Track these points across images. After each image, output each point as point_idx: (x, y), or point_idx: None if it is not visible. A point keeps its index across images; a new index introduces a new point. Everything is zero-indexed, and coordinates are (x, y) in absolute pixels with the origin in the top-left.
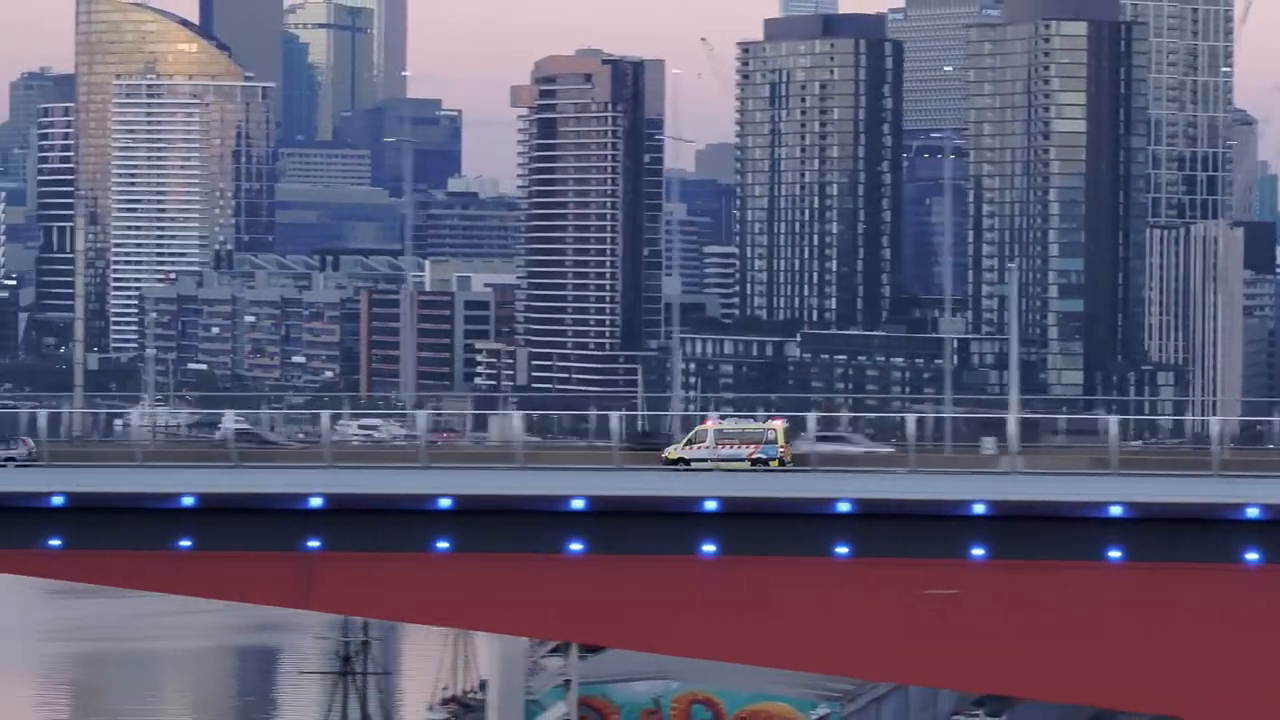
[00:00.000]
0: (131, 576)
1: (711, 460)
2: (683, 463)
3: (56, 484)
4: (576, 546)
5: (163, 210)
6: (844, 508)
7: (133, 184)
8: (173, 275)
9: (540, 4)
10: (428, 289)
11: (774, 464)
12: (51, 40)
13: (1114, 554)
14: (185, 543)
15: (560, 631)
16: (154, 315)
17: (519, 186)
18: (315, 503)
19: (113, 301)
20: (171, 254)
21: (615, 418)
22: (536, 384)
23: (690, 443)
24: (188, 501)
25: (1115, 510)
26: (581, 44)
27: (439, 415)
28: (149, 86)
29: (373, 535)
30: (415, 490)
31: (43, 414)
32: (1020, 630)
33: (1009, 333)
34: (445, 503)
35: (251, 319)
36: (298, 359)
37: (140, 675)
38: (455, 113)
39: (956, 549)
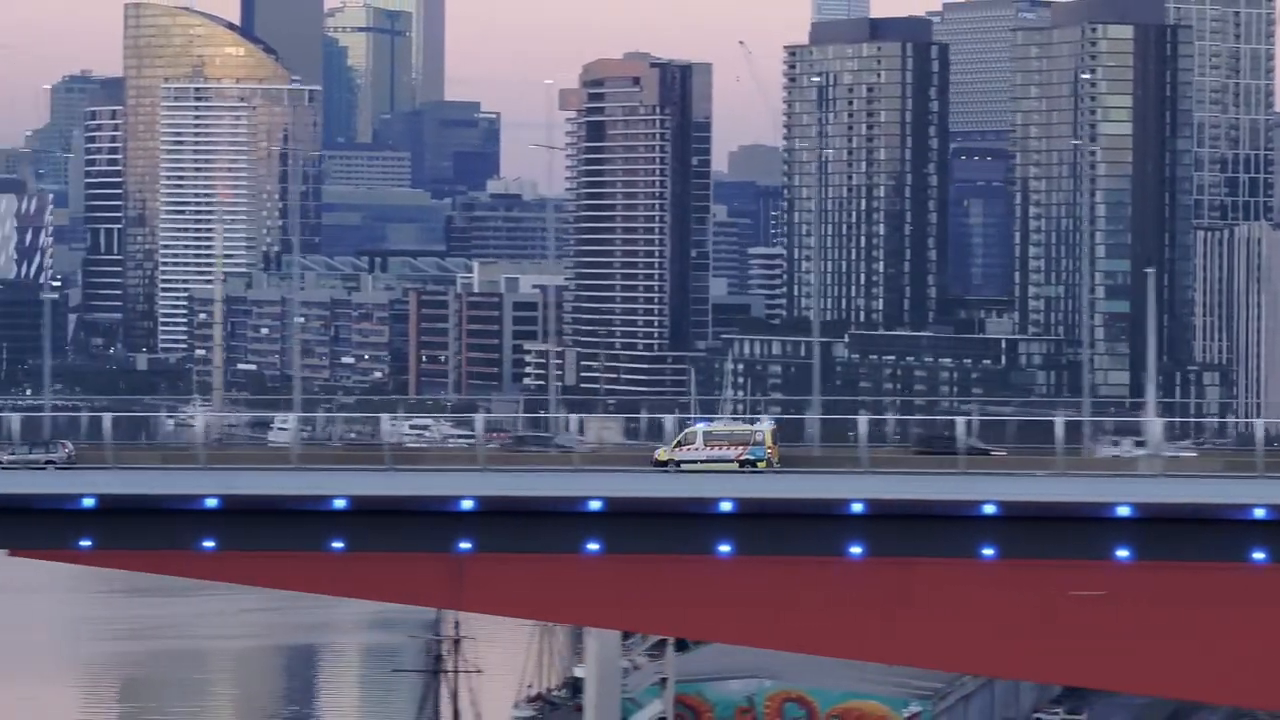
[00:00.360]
0: (284, 578)
1: (701, 461)
2: (673, 464)
3: (212, 487)
4: (725, 548)
5: (210, 212)
6: (989, 510)
7: (181, 186)
8: (222, 276)
9: (578, 7)
10: (476, 290)
11: (761, 465)
12: (92, 44)
13: (1258, 556)
14: (338, 544)
15: (708, 632)
16: (203, 316)
17: (567, 189)
18: (467, 505)
19: (161, 303)
20: (220, 256)
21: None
22: (585, 384)
23: (680, 444)
24: (340, 504)
25: (1259, 513)
26: (617, 46)
27: (541, 417)
28: (197, 90)
29: (524, 537)
30: (565, 493)
31: (201, 416)
32: (1165, 631)
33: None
34: (595, 505)
35: (301, 320)
36: (347, 359)
37: (228, 672)
38: (494, 115)
39: (1101, 550)
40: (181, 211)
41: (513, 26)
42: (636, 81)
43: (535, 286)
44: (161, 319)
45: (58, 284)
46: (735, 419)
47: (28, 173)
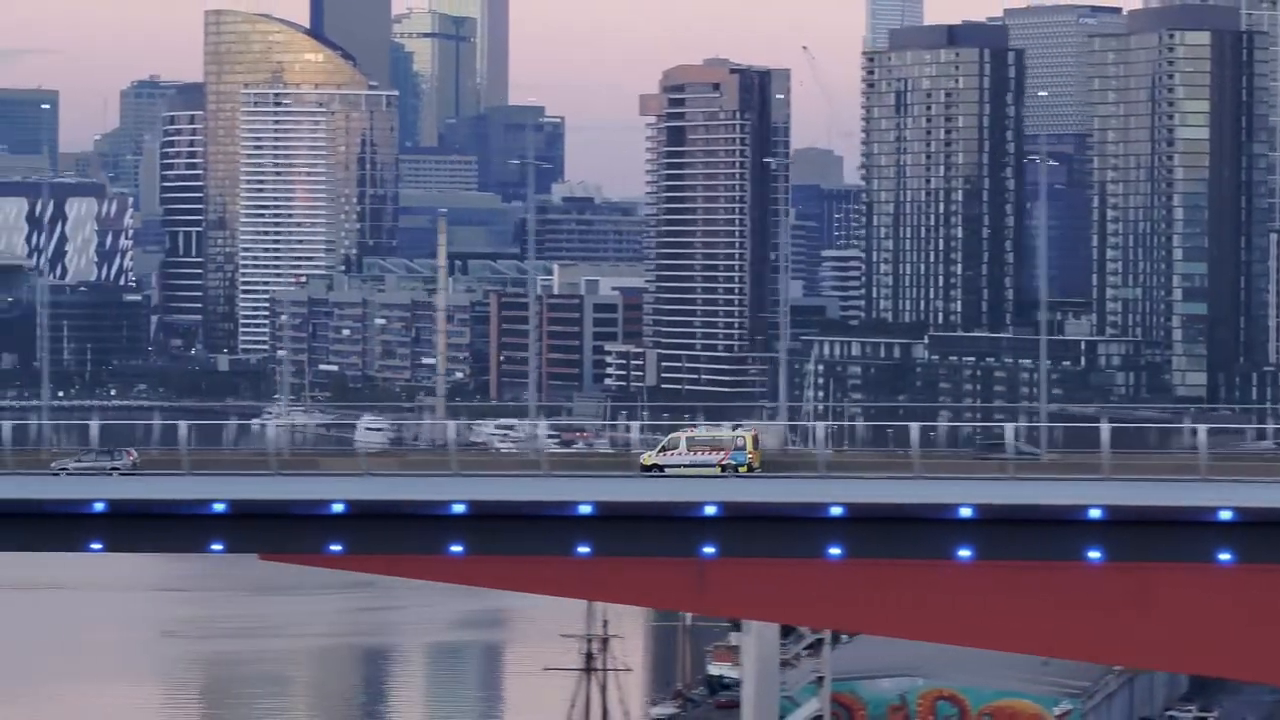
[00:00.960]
0: (531, 581)
1: (685, 466)
2: (657, 469)
3: (460, 492)
4: (964, 553)
5: (290, 216)
6: (1226, 515)
7: (260, 190)
8: (303, 279)
9: (637, 13)
10: (555, 292)
11: (743, 469)
12: (161, 49)
13: None
14: (584, 549)
15: (948, 635)
16: (284, 318)
17: (646, 192)
18: (710, 510)
19: (241, 305)
20: (299, 259)
21: (915, 429)
22: (665, 384)
23: (664, 450)
24: (585, 510)
25: None
26: (675, 50)
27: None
28: (276, 95)
29: (765, 541)
30: (808, 499)
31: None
32: None
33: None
34: (837, 510)
35: (382, 321)
36: (428, 360)
37: (376, 670)
38: (558, 119)
39: None
40: (261, 215)
41: (574, 32)
42: (717, 87)
43: (614, 289)
44: (242, 320)
45: (133, 284)
46: (717, 425)
47: (103, 176)
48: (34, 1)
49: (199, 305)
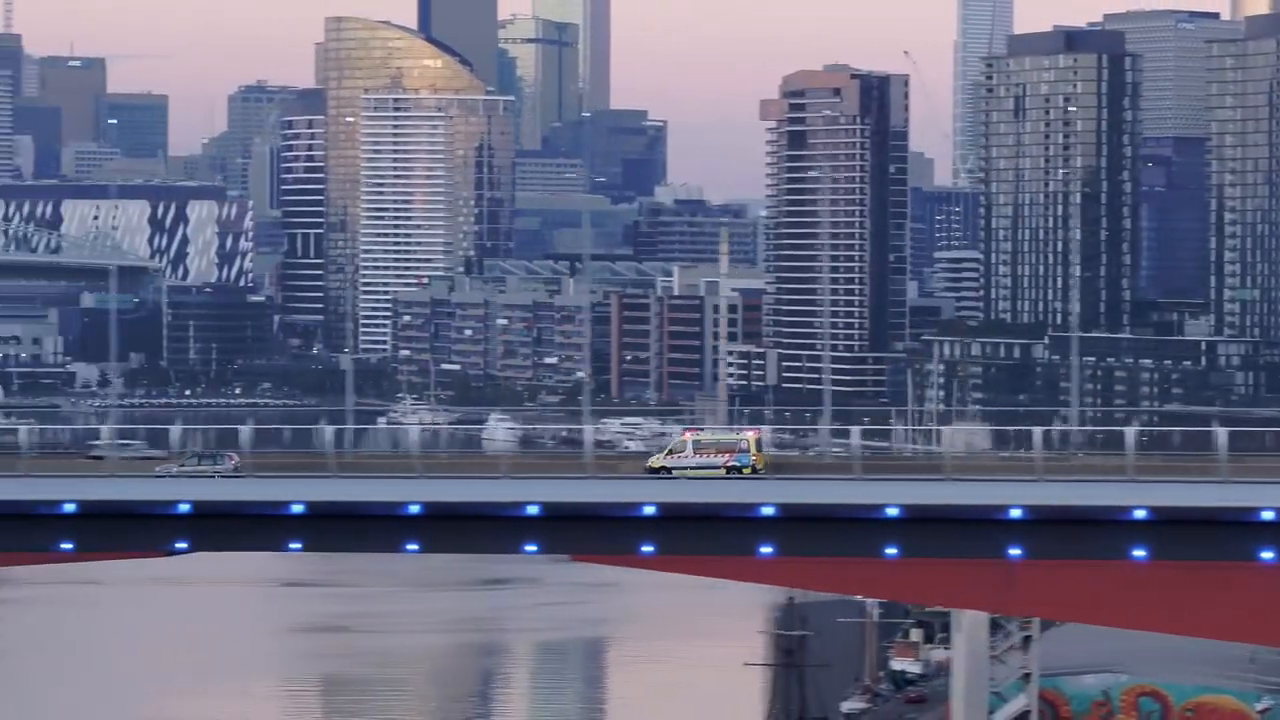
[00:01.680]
0: (842, 582)
1: (691, 468)
2: (665, 471)
3: (771, 495)
4: (1266, 555)
5: (409, 218)
6: None
7: (380, 193)
8: (425, 280)
9: (732, 19)
10: (676, 293)
11: (746, 471)
12: (269, 54)
13: None
14: (891, 550)
15: (1251, 635)
16: (407, 318)
17: (768, 195)
18: (1015, 514)
19: (362, 305)
20: (418, 260)
21: (1131, 432)
22: (786, 384)
23: (671, 452)
24: (892, 512)
25: None
26: (767, 55)
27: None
28: (395, 100)
29: (1071, 543)
30: (1112, 502)
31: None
32: None
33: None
34: (1140, 514)
35: (503, 321)
36: (549, 360)
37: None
38: (660, 123)
39: None
40: (381, 217)
41: (672, 38)
42: (837, 92)
43: (734, 290)
44: (362, 320)
45: (254, 286)
46: (722, 428)
47: (220, 179)
48: (139, 7)
49: (319, 306)
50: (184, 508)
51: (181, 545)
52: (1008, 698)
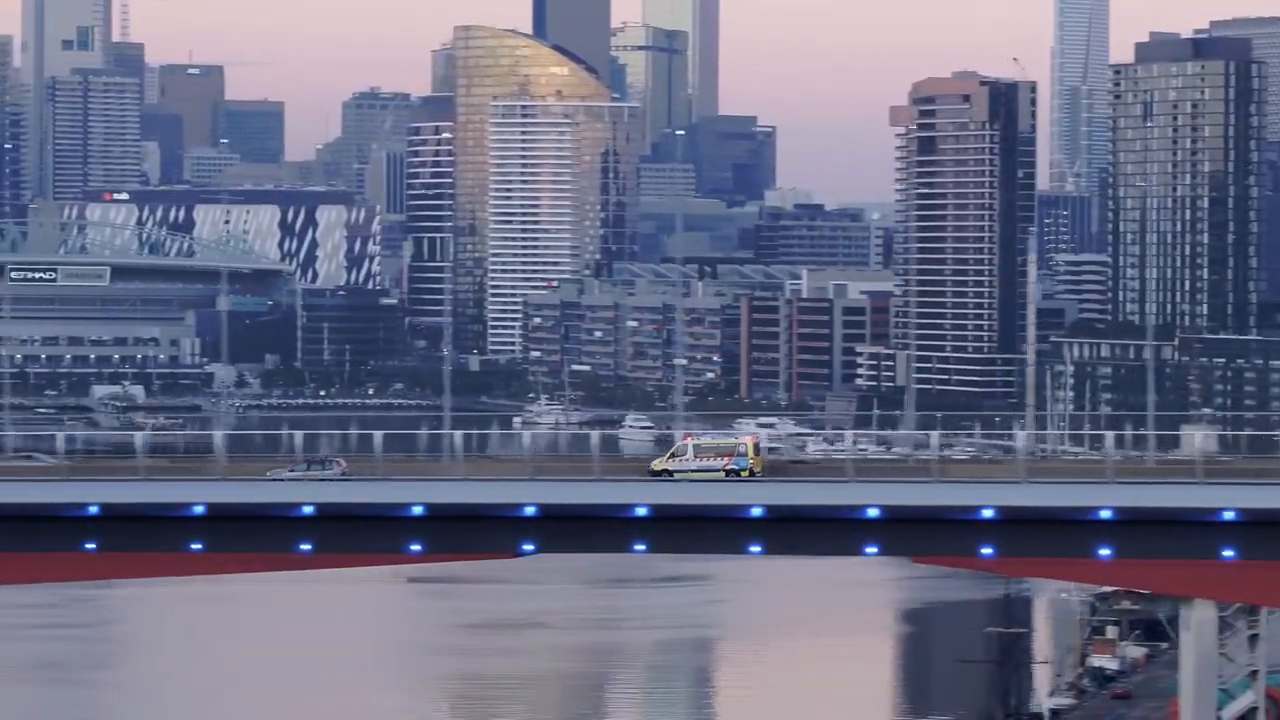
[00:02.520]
0: (1178, 583)
1: (692, 471)
2: (666, 474)
3: (1107, 500)
4: None
5: (536, 222)
6: None
7: (508, 198)
8: (555, 283)
9: (838, 25)
10: (804, 296)
11: (744, 474)
12: (383, 61)
13: None
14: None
15: None
16: (537, 320)
17: (897, 199)
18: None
19: (490, 307)
20: (545, 263)
21: None
22: (916, 385)
23: (673, 456)
24: (1228, 515)
25: None
26: (873, 61)
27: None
28: (523, 107)
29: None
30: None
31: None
32: None
33: None
34: None
35: (634, 324)
36: (679, 361)
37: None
38: (770, 129)
39: None
40: (509, 221)
41: (783, 44)
42: (967, 99)
43: (863, 292)
44: (490, 322)
45: (383, 289)
46: (721, 433)
47: (347, 185)
48: (255, 16)
49: (449, 308)
50: (530, 510)
51: (529, 547)
52: (1235, 694)
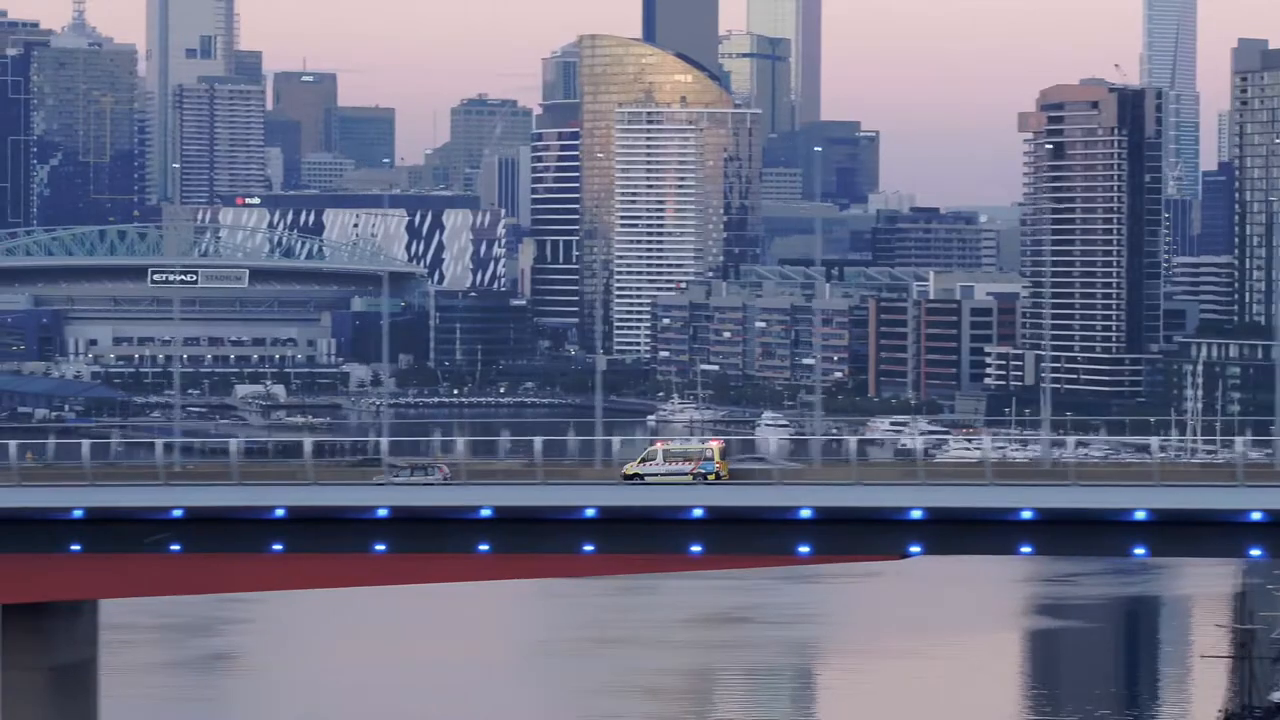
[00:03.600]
0: None
1: (661, 475)
2: (638, 478)
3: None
4: None
5: (661, 226)
6: None
7: (634, 202)
8: (683, 284)
9: (942, 31)
10: (931, 297)
11: (711, 477)
12: (489, 68)
13: None
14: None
15: None
16: (666, 321)
17: (1024, 203)
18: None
19: (616, 308)
20: (669, 266)
21: None
22: (1044, 384)
23: (644, 460)
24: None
25: None
26: (966, 70)
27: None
28: (648, 114)
29: None
30: None
31: None
32: None
33: None
34: None
35: (762, 324)
36: (807, 361)
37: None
38: (873, 133)
39: None
40: (634, 225)
41: (883, 50)
42: (1095, 105)
43: (989, 294)
44: (616, 323)
45: (509, 291)
46: (688, 439)
47: (441, 188)
48: (363, 23)
49: (574, 309)
50: (917, 514)
51: (915, 549)
52: None
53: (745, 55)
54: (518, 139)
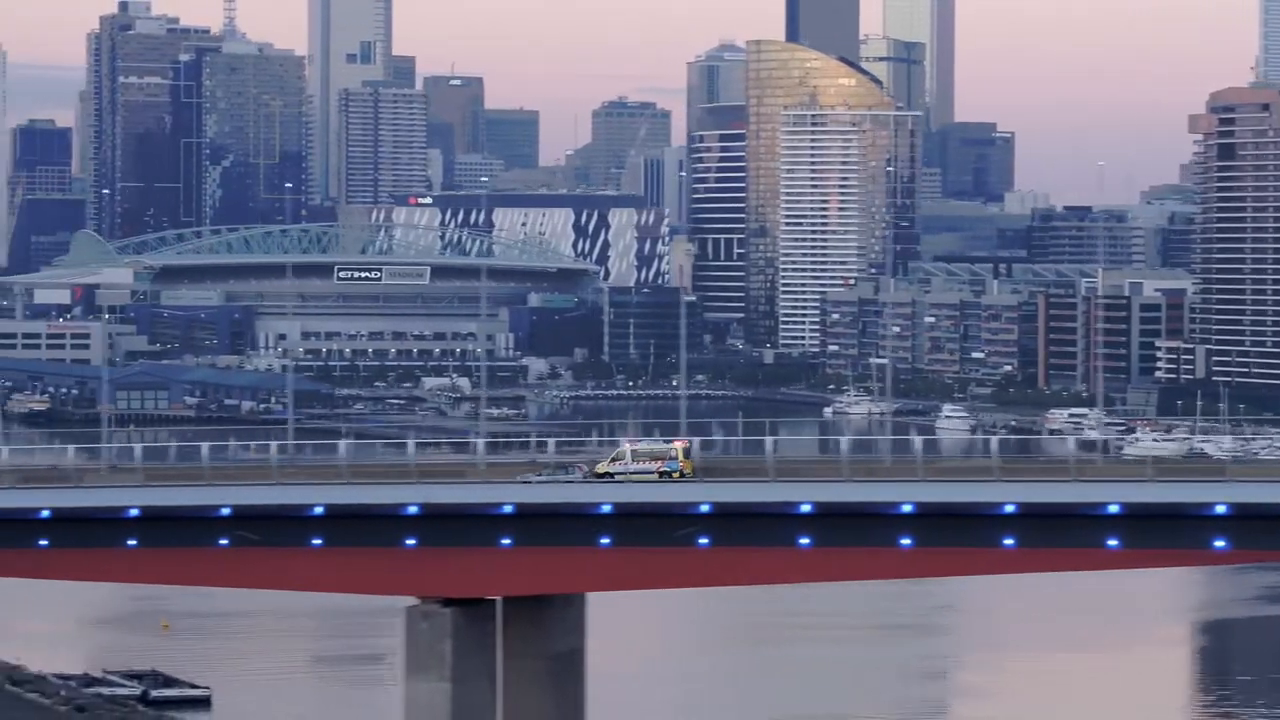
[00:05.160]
0: None
1: (631, 473)
2: (609, 476)
3: None
4: None
5: (825, 224)
6: None
7: (798, 202)
8: (851, 280)
9: (1074, 34)
10: (1100, 294)
11: (675, 475)
12: (627, 71)
13: None
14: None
15: None
16: (835, 316)
17: (1200, 201)
18: None
19: (782, 304)
20: (833, 263)
21: None
22: (1214, 378)
23: (615, 459)
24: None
25: None
26: (1095, 68)
27: None
28: (813, 116)
29: None
30: None
31: None
32: None
33: None
34: None
35: (931, 319)
36: (976, 355)
37: None
38: (1009, 134)
39: None
40: (799, 224)
41: (1014, 54)
42: (1266, 108)
43: (1157, 290)
44: (782, 318)
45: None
46: (656, 440)
47: (581, 187)
48: (505, 29)
49: (739, 304)
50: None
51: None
52: None
53: (881, 59)
54: (659, 140)
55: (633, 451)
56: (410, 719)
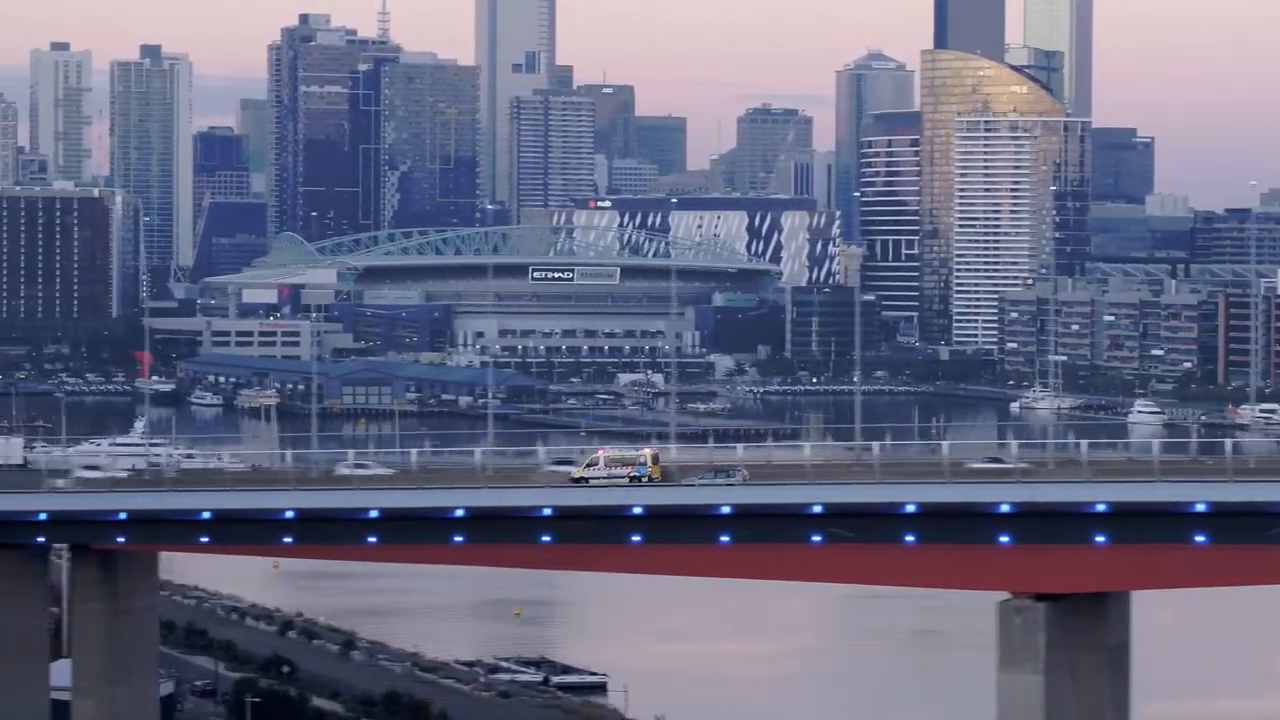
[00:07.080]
0: None
1: (603, 478)
2: (584, 481)
3: None
4: None
5: (997, 227)
6: None
7: (971, 205)
8: (1029, 280)
9: (1186, 40)
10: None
11: (644, 480)
12: (770, 78)
13: None
14: None
15: None
16: (1014, 315)
17: None
18: None
19: (955, 303)
20: (1005, 264)
21: None
22: None
23: (589, 465)
24: None
25: None
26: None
27: None
28: (986, 123)
29: None
30: None
31: None
32: None
33: None
34: None
35: (1110, 318)
36: (1155, 352)
37: None
38: (1149, 139)
39: None
40: (972, 226)
41: (1153, 58)
42: None
43: None
44: (956, 316)
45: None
46: (627, 447)
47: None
48: (652, 39)
49: (912, 303)
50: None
51: None
52: None
53: (1020, 68)
54: (804, 145)
55: (606, 458)
56: (1005, 709)
